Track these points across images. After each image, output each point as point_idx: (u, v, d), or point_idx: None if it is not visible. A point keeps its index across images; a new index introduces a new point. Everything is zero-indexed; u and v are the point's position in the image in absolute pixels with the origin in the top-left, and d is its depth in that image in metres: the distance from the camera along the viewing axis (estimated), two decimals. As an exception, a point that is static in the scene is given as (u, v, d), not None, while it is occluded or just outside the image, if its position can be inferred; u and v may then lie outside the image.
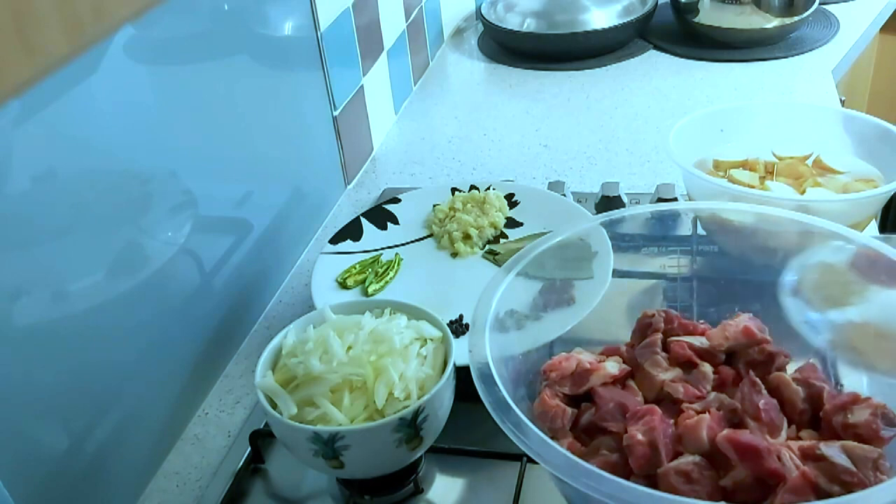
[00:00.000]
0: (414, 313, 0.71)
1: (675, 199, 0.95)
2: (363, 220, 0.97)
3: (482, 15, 1.54)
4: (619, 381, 0.63)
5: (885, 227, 1.57)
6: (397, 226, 0.97)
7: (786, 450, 0.54)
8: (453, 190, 1.00)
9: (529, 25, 1.50)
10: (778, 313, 0.68)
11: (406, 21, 1.36)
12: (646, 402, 0.61)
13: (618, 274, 0.77)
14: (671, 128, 0.88)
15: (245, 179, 0.92)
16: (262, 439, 0.75)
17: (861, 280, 0.66)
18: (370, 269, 0.90)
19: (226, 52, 0.87)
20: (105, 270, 0.70)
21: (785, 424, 0.58)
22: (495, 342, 0.59)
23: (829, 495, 0.50)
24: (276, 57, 0.98)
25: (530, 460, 0.66)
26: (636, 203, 0.99)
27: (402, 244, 0.95)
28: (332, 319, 0.70)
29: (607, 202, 0.98)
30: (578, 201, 0.99)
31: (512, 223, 0.96)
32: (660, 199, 0.96)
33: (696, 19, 1.45)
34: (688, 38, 1.48)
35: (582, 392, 0.61)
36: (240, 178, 0.92)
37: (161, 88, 0.77)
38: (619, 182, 0.99)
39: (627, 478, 0.52)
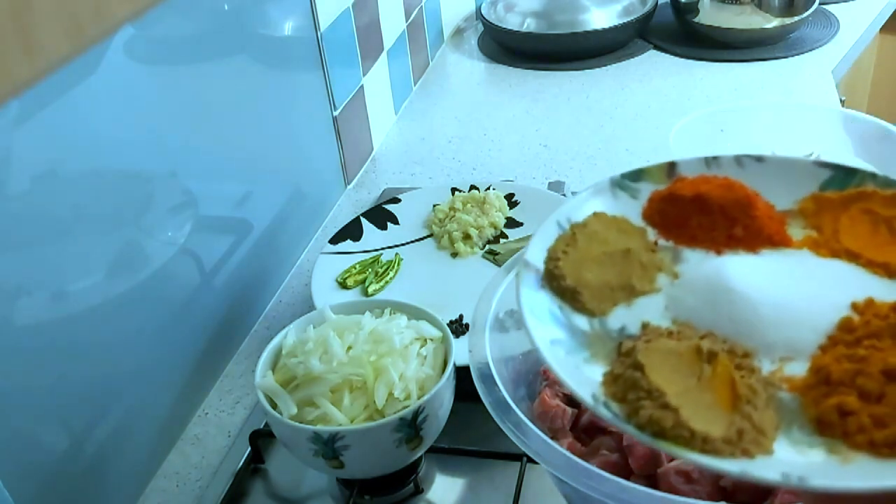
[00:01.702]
0: (414, 313, 0.71)
1: (675, 199, 0.95)
2: (363, 220, 0.97)
3: (482, 15, 1.54)
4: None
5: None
6: (397, 226, 0.97)
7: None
8: (453, 190, 1.00)
9: (529, 25, 1.50)
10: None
11: (406, 21, 1.36)
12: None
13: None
14: (671, 128, 0.88)
15: (245, 179, 0.92)
16: (262, 439, 0.75)
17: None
18: (370, 269, 0.90)
19: (226, 52, 0.87)
20: (105, 270, 0.70)
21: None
22: (495, 342, 0.59)
23: None
24: (276, 57, 0.98)
25: (530, 460, 0.66)
26: (636, 203, 0.99)
27: (402, 244, 0.95)
28: (332, 319, 0.70)
29: (607, 202, 0.97)
30: (578, 201, 0.99)
31: (512, 223, 0.96)
32: (660, 199, 0.96)
33: (696, 19, 1.45)
34: (688, 38, 1.48)
35: (582, 392, 0.61)
36: (240, 178, 0.92)
37: (161, 88, 0.77)
38: (619, 182, 0.99)
39: (627, 478, 0.52)
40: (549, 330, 0.49)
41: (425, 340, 0.68)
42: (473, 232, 0.93)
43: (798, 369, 0.45)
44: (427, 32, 1.48)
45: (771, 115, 0.94)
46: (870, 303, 0.47)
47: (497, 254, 0.92)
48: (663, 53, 1.47)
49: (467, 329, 0.76)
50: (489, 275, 0.65)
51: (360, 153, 1.21)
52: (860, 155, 0.87)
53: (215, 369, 0.87)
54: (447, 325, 0.70)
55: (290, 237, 1.02)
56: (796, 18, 1.41)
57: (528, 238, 0.91)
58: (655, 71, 1.42)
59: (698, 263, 0.54)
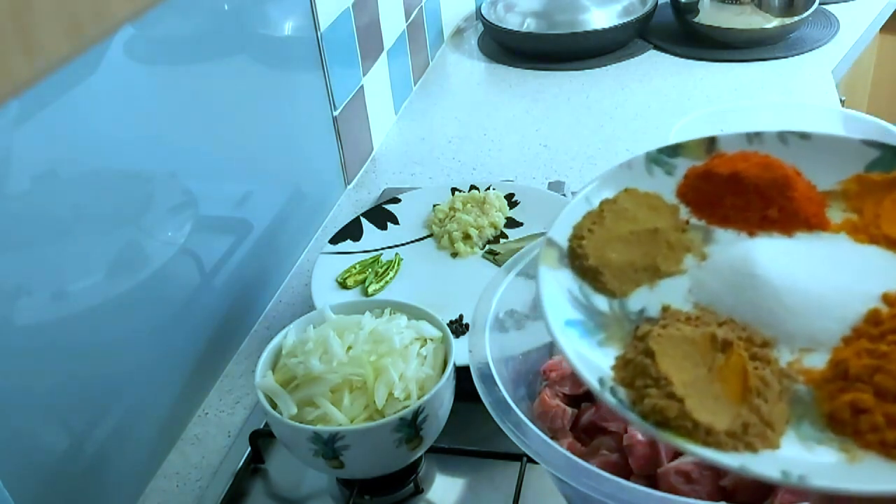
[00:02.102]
0: (414, 313, 0.71)
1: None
2: (363, 220, 0.97)
3: (482, 15, 1.54)
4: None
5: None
6: (397, 226, 0.97)
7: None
8: (453, 190, 1.00)
9: (529, 25, 1.50)
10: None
11: (406, 21, 1.36)
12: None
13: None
14: (671, 128, 0.88)
15: (245, 179, 0.92)
16: (262, 439, 0.75)
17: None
18: (370, 269, 0.90)
19: (226, 52, 0.87)
20: (105, 270, 0.70)
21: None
22: (495, 342, 0.59)
23: None
24: (276, 57, 0.98)
25: (530, 460, 0.66)
26: (636, 203, 0.99)
27: (402, 244, 0.95)
28: (332, 319, 0.70)
29: (607, 202, 0.97)
30: (578, 201, 0.99)
31: (512, 223, 0.96)
32: (660, 199, 0.96)
33: (696, 19, 1.45)
34: (688, 38, 1.48)
35: (582, 392, 0.61)
36: (240, 178, 0.92)
37: (161, 88, 0.77)
38: (619, 182, 0.99)
39: (627, 478, 0.52)
40: (564, 310, 0.48)
41: (425, 340, 0.68)
42: (473, 232, 0.93)
43: (818, 361, 0.44)
44: (427, 32, 1.48)
45: (771, 115, 0.94)
46: None
47: (497, 254, 0.92)
48: (663, 53, 1.47)
49: (467, 329, 0.76)
50: (489, 275, 0.65)
51: (360, 153, 1.21)
52: (860, 155, 0.87)
53: (215, 369, 0.87)
54: (447, 325, 0.70)
55: (290, 237, 1.02)
56: (796, 18, 1.41)
57: (528, 238, 0.91)
58: (655, 71, 1.42)
59: (728, 245, 0.52)
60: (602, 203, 0.55)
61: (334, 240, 0.93)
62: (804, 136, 0.56)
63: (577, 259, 0.52)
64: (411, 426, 0.62)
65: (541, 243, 0.53)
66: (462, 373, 0.62)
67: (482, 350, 0.57)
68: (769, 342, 0.45)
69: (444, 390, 0.65)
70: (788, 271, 0.48)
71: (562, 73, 1.44)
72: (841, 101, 1.29)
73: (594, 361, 0.46)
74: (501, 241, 0.94)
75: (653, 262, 0.51)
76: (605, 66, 1.45)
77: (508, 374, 0.58)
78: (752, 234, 0.52)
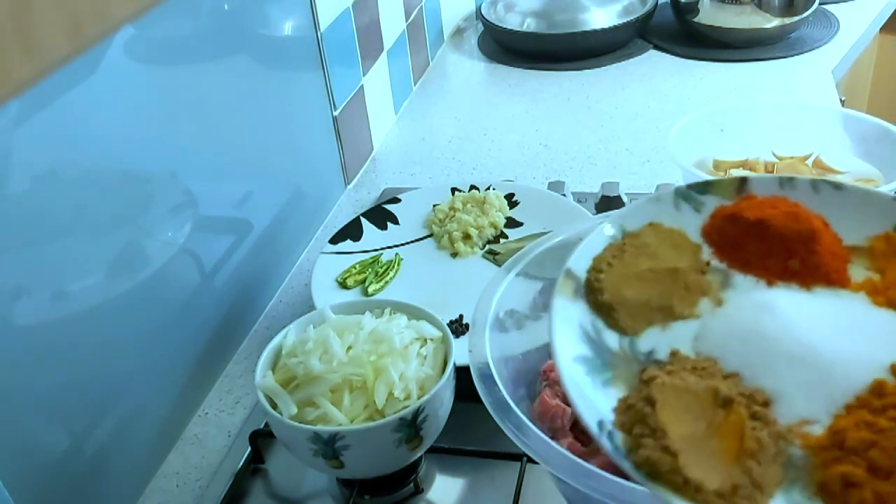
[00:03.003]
0: (414, 313, 0.71)
1: (675, 199, 0.95)
2: (363, 220, 0.97)
3: (482, 15, 1.54)
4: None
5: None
6: (397, 226, 0.97)
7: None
8: (453, 190, 1.00)
9: (529, 25, 1.50)
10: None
11: (406, 21, 1.36)
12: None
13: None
14: (671, 128, 0.88)
15: (245, 179, 0.92)
16: (262, 439, 0.75)
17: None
18: (370, 269, 0.90)
19: (226, 52, 0.87)
20: (105, 270, 0.70)
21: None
22: (495, 342, 0.59)
23: None
24: (276, 57, 0.98)
25: (530, 460, 0.66)
26: (636, 203, 0.99)
27: (402, 244, 0.95)
28: (332, 319, 0.70)
29: (607, 202, 0.97)
30: (578, 201, 0.99)
31: (512, 223, 0.96)
32: (660, 199, 0.96)
33: (696, 19, 1.45)
34: (688, 38, 1.48)
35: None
36: (240, 178, 0.92)
37: (161, 88, 0.77)
38: (619, 182, 0.99)
39: (627, 478, 0.52)
40: (574, 346, 0.48)
41: (425, 340, 0.68)
42: (473, 232, 0.93)
43: (818, 427, 0.43)
44: (427, 32, 1.48)
45: (771, 115, 0.94)
46: None
47: (497, 254, 0.92)
48: (663, 53, 1.47)
49: (467, 329, 0.76)
50: (489, 275, 0.65)
51: (360, 153, 1.21)
52: (860, 155, 0.87)
53: (215, 369, 0.87)
54: (447, 325, 0.70)
55: (290, 237, 1.02)
56: (796, 18, 1.41)
57: (528, 238, 0.91)
58: (655, 71, 1.42)
59: (744, 293, 0.51)
60: (625, 236, 0.55)
61: (334, 240, 0.93)
62: (837, 186, 0.55)
63: (592, 293, 0.51)
64: (411, 426, 0.62)
65: (559, 272, 0.52)
66: (462, 373, 0.62)
67: (482, 350, 0.57)
68: (770, 401, 0.45)
69: (444, 390, 0.65)
70: (800, 332, 0.47)
71: (562, 73, 1.44)
72: (841, 101, 1.29)
73: (596, 402, 0.45)
74: (501, 241, 0.94)
75: (668, 302, 0.51)
76: (605, 66, 1.45)
77: (508, 374, 0.58)
78: (770, 283, 0.52)
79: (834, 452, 0.42)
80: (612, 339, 0.50)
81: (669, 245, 0.55)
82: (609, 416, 0.45)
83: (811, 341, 0.46)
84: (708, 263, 0.54)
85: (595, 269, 0.53)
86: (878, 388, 0.44)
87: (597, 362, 0.48)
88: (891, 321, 0.49)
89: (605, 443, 0.43)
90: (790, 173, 0.57)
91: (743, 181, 0.56)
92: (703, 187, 0.57)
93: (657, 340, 0.50)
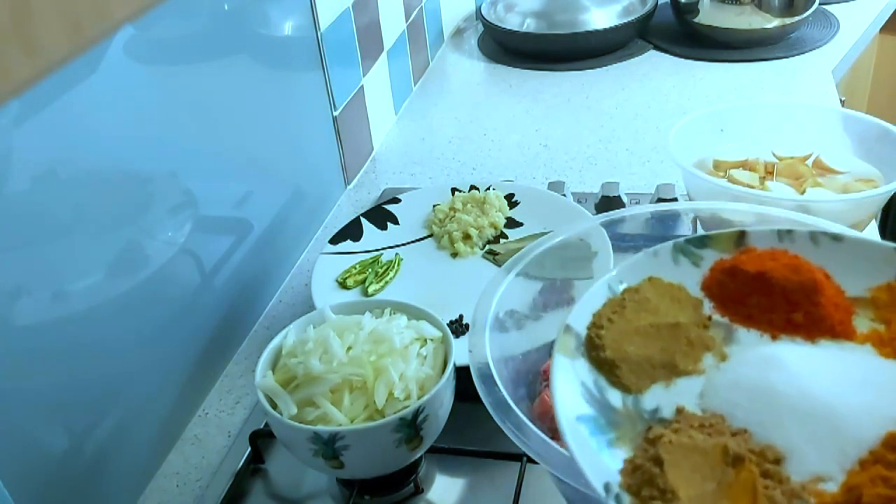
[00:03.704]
0: (414, 313, 0.71)
1: (675, 199, 0.95)
2: (363, 220, 0.97)
3: (482, 15, 1.54)
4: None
5: (885, 227, 1.58)
6: (397, 226, 0.97)
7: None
8: (453, 190, 1.00)
9: (529, 25, 1.50)
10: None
11: (406, 21, 1.36)
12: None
13: (618, 274, 0.76)
14: (671, 128, 0.88)
15: (245, 179, 0.92)
16: (262, 439, 0.75)
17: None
18: (370, 269, 0.90)
19: (226, 52, 0.87)
20: (105, 270, 0.70)
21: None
22: (495, 342, 0.59)
23: None
24: (276, 57, 0.98)
25: (530, 460, 0.66)
26: (636, 203, 0.99)
27: (402, 244, 0.95)
28: (332, 319, 0.70)
29: (607, 202, 0.98)
30: (578, 201, 0.99)
31: (512, 223, 0.96)
32: (660, 199, 0.96)
33: (696, 19, 1.45)
34: (688, 38, 1.48)
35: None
36: (240, 178, 0.92)
37: (161, 88, 0.77)
38: (619, 182, 0.99)
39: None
40: (577, 405, 0.47)
41: (425, 340, 0.68)
42: (473, 232, 0.93)
43: (832, 484, 0.42)
44: (427, 32, 1.48)
45: (771, 115, 0.94)
46: None
47: (497, 254, 0.92)
48: (663, 53, 1.47)
49: (467, 329, 0.76)
50: (489, 275, 0.65)
51: (360, 153, 1.21)
52: (860, 155, 0.87)
53: (215, 369, 0.87)
54: (447, 325, 0.70)
55: (290, 237, 1.02)
56: (796, 18, 1.41)
57: (528, 238, 0.91)
58: (655, 71, 1.42)
59: (749, 348, 0.51)
60: (624, 291, 0.54)
61: (334, 240, 0.93)
62: (836, 237, 0.55)
63: (594, 349, 0.51)
64: (411, 426, 0.62)
65: (559, 328, 0.51)
66: (462, 373, 0.62)
67: (482, 350, 0.57)
68: (782, 458, 0.44)
69: (444, 390, 0.65)
70: (808, 386, 0.46)
71: (562, 73, 1.44)
72: (841, 101, 1.29)
73: (602, 463, 0.45)
74: (501, 241, 0.94)
75: (671, 358, 0.50)
76: (605, 66, 1.45)
77: (508, 374, 0.58)
78: (774, 336, 0.51)
79: None
80: (615, 397, 0.49)
81: (670, 299, 0.54)
82: (616, 478, 0.44)
83: (820, 395, 0.46)
84: (710, 318, 0.53)
85: (595, 325, 0.52)
86: (891, 442, 0.43)
87: (600, 421, 0.47)
88: None
89: None
90: (789, 226, 0.56)
91: (741, 234, 0.56)
92: (702, 241, 0.57)
93: (662, 398, 0.49)
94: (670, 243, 0.57)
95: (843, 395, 0.46)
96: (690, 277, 0.56)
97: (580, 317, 0.52)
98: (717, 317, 0.54)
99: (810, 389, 0.46)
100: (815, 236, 0.55)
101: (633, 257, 0.56)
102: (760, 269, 0.53)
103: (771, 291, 0.52)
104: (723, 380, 0.49)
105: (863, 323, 0.52)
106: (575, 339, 0.51)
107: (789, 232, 0.56)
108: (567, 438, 0.44)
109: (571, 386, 0.48)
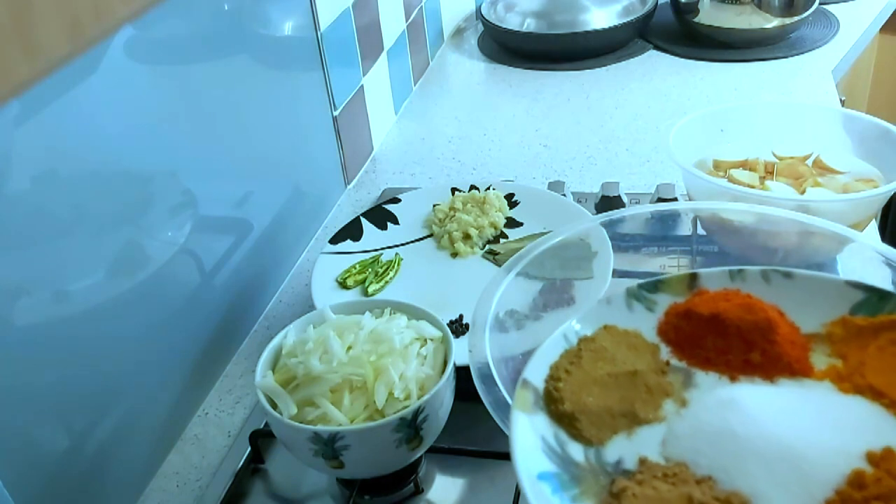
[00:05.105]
0: (414, 313, 0.71)
1: (675, 199, 0.95)
2: (363, 220, 0.97)
3: (482, 15, 1.54)
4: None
5: (885, 227, 1.58)
6: (397, 226, 0.97)
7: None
8: (453, 190, 1.00)
9: (529, 25, 1.50)
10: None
11: (406, 21, 1.36)
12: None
13: (618, 274, 0.77)
14: (671, 128, 0.88)
15: (245, 179, 0.92)
16: (262, 439, 0.75)
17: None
18: (370, 269, 0.90)
19: (226, 52, 0.87)
20: (105, 270, 0.70)
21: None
22: (495, 342, 0.59)
23: None
24: (276, 57, 0.98)
25: (530, 460, 0.66)
26: (636, 203, 0.99)
27: (402, 244, 0.95)
28: (332, 319, 0.70)
29: (607, 202, 0.98)
30: (578, 201, 0.99)
31: (512, 223, 0.96)
32: (660, 199, 0.96)
33: (696, 19, 1.45)
34: (688, 38, 1.48)
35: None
36: (240, 178, 0.92)
37: (161, 88, 0.77)
38: (619, 182, 0.99)
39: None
40: (538, 462, 0.46)
41: (425, 340, 0.68)
42: (473, 232, 0.93)
43: None
44: (427, 32, 1.48)
45: (771, 115, 0.94)
46: (887, 454, 0.44)
47: (497, 254, 0.92)
48: (663, 53, 1.47)
49: (467, 329, 0.76)
50: (489, 275, 0.65)
51: (360, 153, 1.21)
52: (860, 155, 0.87)
53: (215, 369, 0.87)
54: (447, 325, 0.70)
55: (290, 237, 1.02)
56: (796, 18, 1.41)
57: (528, 238, 0.91)
58: (655, 71, 1.42)
59: (708, 392, 0.50)
60: (580, 341, 0.54)
61: (334, 240, 0.93)
62: (787, 274, 0.55)
63: (552, 403, 0.50)
64: (411, 426, 0.62)
65: (517, 384, 0.51)
66: (462, 373, 0.62)
67: (482, 350, 0.57)
68: (747, 502, 0.43)
69: (444, 390, 0.65)
70: (769, 428, 0.46)
71: (562, 73, 1.44)
72: (841, 101, 1.29)
73: None
74: (501, 241, 0.94)
75: (631, 407, 0.50)
76: (605, 66, 1.45)
77: (508, 374, 0.58)
78: (733, 378, 0.51)
79: None
80: (576, 450, 0.48)
81: (626, 347, 0.54)
82: None
83: (782, 437, 0.45)
84: (667, 363, 0.53)
85: (553, 377, 0.51)
86: (856, 480, 0.43)
87: (563, 477, 0.46)
88: (859, 408, 0.48)
89: None
90: (738, 266, 0.56)
91: (693, 277, 0.56)
92: (654, 286, 0.56)
93: (624, 449, 0.48)
94: (622, 290, 0.56)
95: (806, 436, 0.45)
96: (646, 323, 0.55)
97: (537, 370, 0.51)
98: (674, 361, 0.53)
99: (771, 431, 0.46)
100: (766, 274, 0.55)
101: (586, 307, 0.56)
102: (714, 310, 0.52)
103: (726, 332, 0.52)
104: (684, 427, 0.49)
105: (820, 359, 0.52)
106: (533, 393, 0.50)
107: (740, 271, 0.56)
108: (528, 498, 0.43)
109: (532, 442, 0.47)
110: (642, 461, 0.47)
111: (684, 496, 0.43)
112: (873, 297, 0.53)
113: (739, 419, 0.47)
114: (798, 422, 0.47)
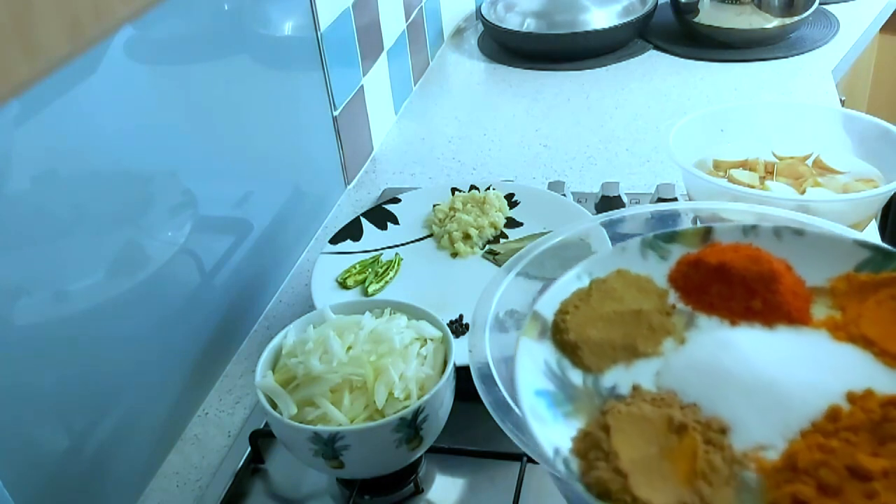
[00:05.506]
0: (414, 313, 0.71)
1: (675, 199, 0.95)
2: (363, 220, 0.97)
3: (482, 15, 1.54)
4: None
5: (884, 228, 1.58)
6: (397, 226, 0.97)
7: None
8: (453, 190, 1.00)
9: (529, 25, 1.50)
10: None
11: (406, 21, 1.36)
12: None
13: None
14: (671, 128, 0.88)
15: (245, 179, 0.92)
16: (262, 439, 0.75)
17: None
18: (370, 269, 0.90)
19: (226, 52, 0.87)
20: (105, 270, 0.70)
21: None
22: (495, 342, 0.59)
23: None
24: (276, 57, 0.98)
25: (530, 460, 0.66)
26: (636, 203, 0.99)
27: (402, 244, 0.95)
28: (332, 319, 0.70)
29: (607, 202, 0.98)
30: (578, 201, 0.99)
31: (512, 223, 0.96)
32: (660, 199, 0.96)
33: (696, 19, 1.45)
34: (688, 38, 1.48)
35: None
36: (240, 178, 0.92)
37: (161, 88, 0.77)
38: (619, 182, 0.99)
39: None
40: (536, 380, 0.49)
41: (425, 340, 0.68)
42: (473, 232, 0.93)
43: (773, 452, 0.45)
44: (427, 32, 1.48)
45: (771, 115, 0.94)
46: (866, 394, 0.46)
47: (497, 254, 0.92)
48: (663, 53, 1.47)
49: (467, 329, 0.76)
50: (489, 275, 0.65)
51: (360, 153, 1.21)
52: (860, 155, 0.87)
53: (215, 369, 0.87)
54: (447, 325, 0.70)
55: (290, 237, 1.02)
56: (796, 18, 1.41)
57: (528, 238, 0.91)
58: (655, 71, 1.42)
59: (707, 332, 0.53)
60: (592, 282, 0.57)
61: (334, 240, 0.93)
62: (799, 232, 0.57)
63: (558, 333, 0.53)
64: (411, 426, 0.62)
65: (527, 315, 0.54)
66: (462, 373, 0.62)
67: (482, 350, 0.57)
68: (727, 428, 0.46)
69: (444, 390, 0.65)
70: (757, 364, 0.49)
71: (562, 73, 1.44)
72: (841, 101, 1.29)
73: (556, 432, 0.47)
74: (501, 241, 0.94)
75: (632, 342, 0.53)
76: (605, 66, 1.45)
77: (508, 374, 0.58)
78: (734, 323, 0.54)
79: (786, 474, 0.43)
80: (576, 376, 0.51)
81: (636, 289, 0.56)
82: (567, 444, 0.46)
83: (768, 372, 0.48)
84: (674, 307, 0.56)
85: (561, 311, 0.54)
86: (832, 414, 0.45)
87: (559, 396, 0.49)
88: (849, 353, 0.50)
89: (559, 468, 0.44)
90: (753, 221, 0.59)
91: (708, 231, 0.58)
92: (670, 237, 0.59)
93: (620, 377, 0.51)
94: (638, 238, 0.59)
95: (792, 372, 0.48)
96: (658, 270, 0.58)
97: (548, 305, 0.55)
98: (681, 305, 0.56)
99: (759, 368, 0.48)
100: (778, 231, 0.58)
101: (602, 253, 0.59)
102: (722, 260, 0.55)
103: (731, 281, 0.54)
104: (678, 360, 0.51)
105: (820, 311, 0.54)
106: (541, 324, 0.53)
107: (754, 227, 0.58)
108: (523, 408, 0.46)
109: (534, 364, 0.51)
110: (635, 388, 0.50)
111: (665, 416, 0.46)
112: (878, 256, 0.55)
113: (732, 357, 0.49)
114: (786, 360, 0.50)
